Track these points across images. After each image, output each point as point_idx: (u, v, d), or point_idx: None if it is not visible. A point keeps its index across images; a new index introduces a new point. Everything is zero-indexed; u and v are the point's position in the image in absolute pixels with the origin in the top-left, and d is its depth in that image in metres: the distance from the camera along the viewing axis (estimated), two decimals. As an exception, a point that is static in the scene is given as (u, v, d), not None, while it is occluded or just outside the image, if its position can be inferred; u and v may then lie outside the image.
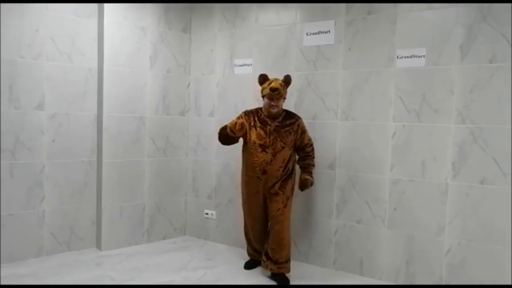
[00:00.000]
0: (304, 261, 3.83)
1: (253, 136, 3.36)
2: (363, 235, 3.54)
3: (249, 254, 3.73)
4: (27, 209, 3.67)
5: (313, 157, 3.48)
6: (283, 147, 3.31)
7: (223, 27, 4.28)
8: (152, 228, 4.35)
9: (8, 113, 3.52)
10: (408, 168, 3.33)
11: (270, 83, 3.30)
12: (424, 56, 3.23)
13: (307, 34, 3.75)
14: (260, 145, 3.32)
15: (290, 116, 3.42)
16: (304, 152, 3.45)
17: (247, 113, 3.46)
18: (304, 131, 3.43)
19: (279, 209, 3.37)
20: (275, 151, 3.30)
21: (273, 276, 3.43)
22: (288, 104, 3.84)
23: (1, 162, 3.51)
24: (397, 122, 3.36)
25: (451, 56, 3.13)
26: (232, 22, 4.21)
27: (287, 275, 3.42)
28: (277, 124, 3.35)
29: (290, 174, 3.40)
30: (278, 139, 3.31)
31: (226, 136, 3.40)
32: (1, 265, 3.48)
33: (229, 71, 4.24)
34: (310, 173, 3.45)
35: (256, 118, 3.40)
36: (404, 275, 3.37)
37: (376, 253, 3.48)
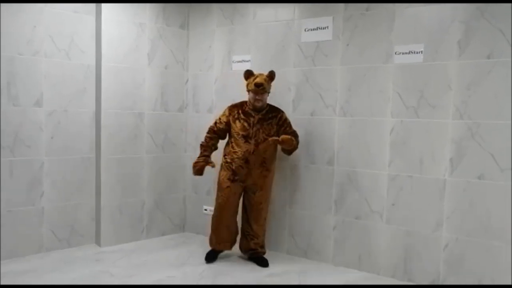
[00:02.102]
0: (303, 256, 3.85)
1: (237, 127, 3.54)
2: (361, 231, 3.56)
3: (211, 243, 3.75)
4: (26, 206, 3.68)
5: (297, 142, 3.57)
6: (265, 139, 3.48)
7: (221, 23, 4.27)
8: (151, 224, 4.37)
9: (6, 110, 3.52)
10: (406, 164, 3.34)
11: (255, 78, 3.49)
12: (422, 52, 3.23)
13: (305, 30, 3.75)
14: (243, 136, 3.51)
15: (273, 110, 3.61)
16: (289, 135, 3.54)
17: (232, 107, 3.65)
18: (288, 124, 3.59)
19: (261, 203, 3.63)
20: (257, 142, 3.49)
21: (251, 259, 3.73)
22: (286, 100, 3.85)
23: (1, 159, 3.51)
24: (395, 118, 3.37)
25: (449, 52, 3.13)
26: (230, 18, 4.21)
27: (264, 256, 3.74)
28: (260, 116, 3.54)
29: (270, 168, 3.60)
30: (261, 131, 3.50)
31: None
32: (1, 262, 3.49)
33: (227, 67, 4.24)
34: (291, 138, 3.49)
35: (240, 111, 3.58)
36: (402, 270, 3.39)
37: (375, 248, 3.50)
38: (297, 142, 3.59)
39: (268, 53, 3.97)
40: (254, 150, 3.49)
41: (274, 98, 3.91)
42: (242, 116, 3.55)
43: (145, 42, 4.19)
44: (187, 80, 4.56)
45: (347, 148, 3.60)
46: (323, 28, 3.66)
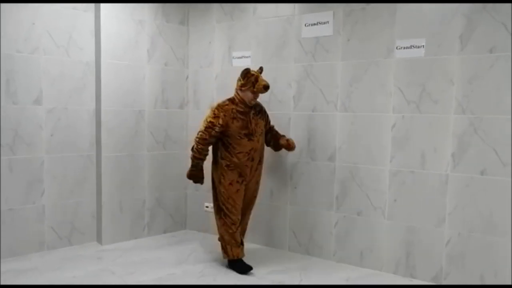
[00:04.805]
0: (304, 253, 3.83)
1: (236, 127, 3.36)
2: (363, 227, 3.54)
3: (235, 253, 3.47)
4: (27, 204, 3.67)
5: None
6: (261, 133, 3.53)
7: (221, 19, 4.25)
8: (152, 222, 4.36)
9: (6, 108, 3.51)
10: (408, 159, 3.31)
11: (262, 80, 3.36)
12: (423, 46, 3.20)
13: (305, 25, 3.73)
14: (245, 134, 3.40)
15: (257, 104, 3.59)
16: (272, 132, 3.71)
17: (223, 107, 3.38)
18: (268, 115, 3.69)
19: (255, 197, 3.66)
20: (258, 138, 3.48)
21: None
22: (287, 96, 3.84)
23: (0, 157, 3.50)
24: (397, 113, 3.35)
25: (451, 46, 3.10)
26: (230, 14, 4.18)
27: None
28: (253, 112, 3.49)
29: (263, 161, 3.63)
30: (258, 126, 3.49)
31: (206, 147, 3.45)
32: (3, 260, 3.49)
33: (227, 64, 4.21)
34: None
35: (235, 110, 3.38)
36: (404, 266, 3.37)
37: (376, 244, 3.48)
38: None
39: (269, 48, 3.95)
40: (258, 147, 3.47)
41: (275, 94, 3.89)
42: (238, 115, 3.38)
43: (145, 38, 4.17)
44: (187, 77, 4.54)
45: (348, 144, 3.58)
46: (324, 23, 3.64)
